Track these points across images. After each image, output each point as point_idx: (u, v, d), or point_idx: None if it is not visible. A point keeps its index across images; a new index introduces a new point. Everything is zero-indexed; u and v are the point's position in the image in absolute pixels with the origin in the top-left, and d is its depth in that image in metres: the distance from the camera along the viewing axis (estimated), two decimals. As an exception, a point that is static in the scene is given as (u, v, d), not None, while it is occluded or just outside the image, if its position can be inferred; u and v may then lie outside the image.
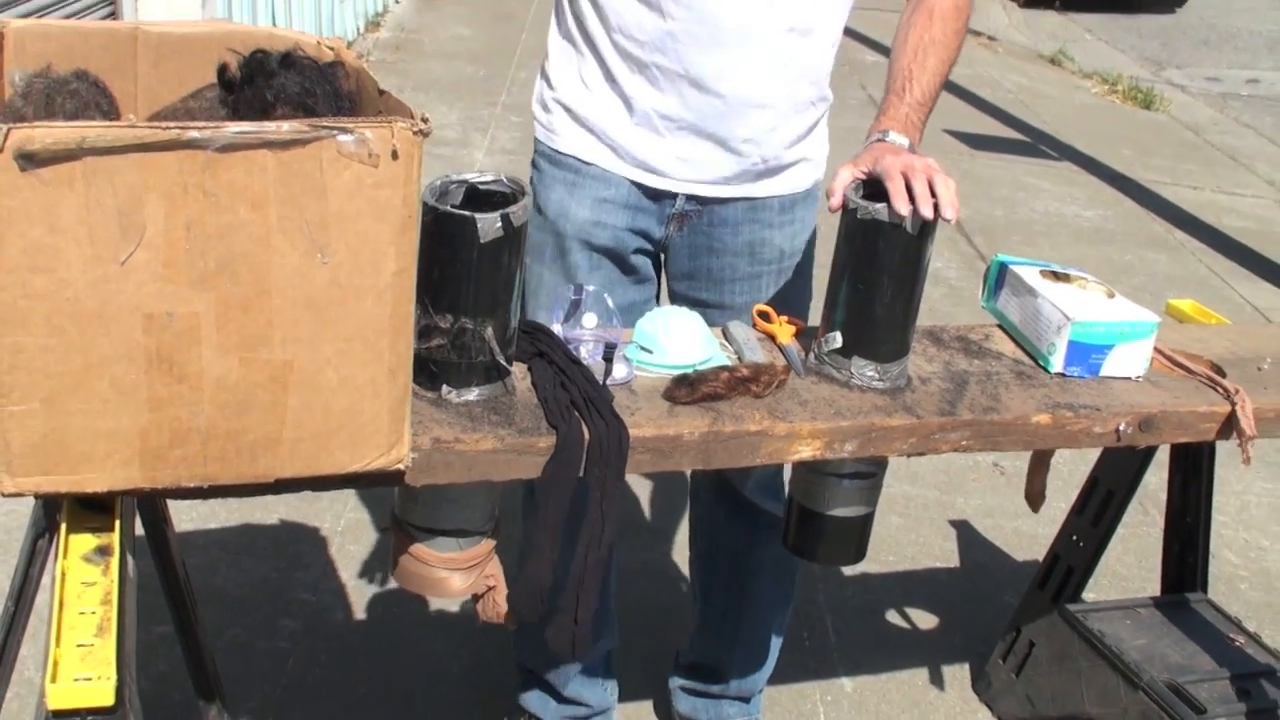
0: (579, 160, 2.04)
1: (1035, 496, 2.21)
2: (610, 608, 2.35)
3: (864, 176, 1.77)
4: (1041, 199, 6.24)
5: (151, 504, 1.89)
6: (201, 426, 1.36)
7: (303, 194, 1.32)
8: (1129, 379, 1.93)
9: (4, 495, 1.34)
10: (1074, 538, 2.61)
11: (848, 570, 3.16)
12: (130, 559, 1.50)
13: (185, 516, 2.97)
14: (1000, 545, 3.33)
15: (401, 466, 1.46)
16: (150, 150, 1.26)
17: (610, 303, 1.82)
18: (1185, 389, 1.93)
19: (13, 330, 1.28)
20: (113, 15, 5.09)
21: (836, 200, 1.76)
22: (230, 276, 1.32)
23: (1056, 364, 1.92)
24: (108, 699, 1.23)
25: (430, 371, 1.64)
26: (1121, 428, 1.85)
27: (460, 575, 1.72)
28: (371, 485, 1.55)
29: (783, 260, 2.11)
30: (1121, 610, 2.59)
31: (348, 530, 3.06)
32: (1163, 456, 2.55)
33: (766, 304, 1.97)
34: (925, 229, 1.75)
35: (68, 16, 4.70)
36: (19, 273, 1.26)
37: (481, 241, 1.58)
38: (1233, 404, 1.89)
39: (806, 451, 1.71)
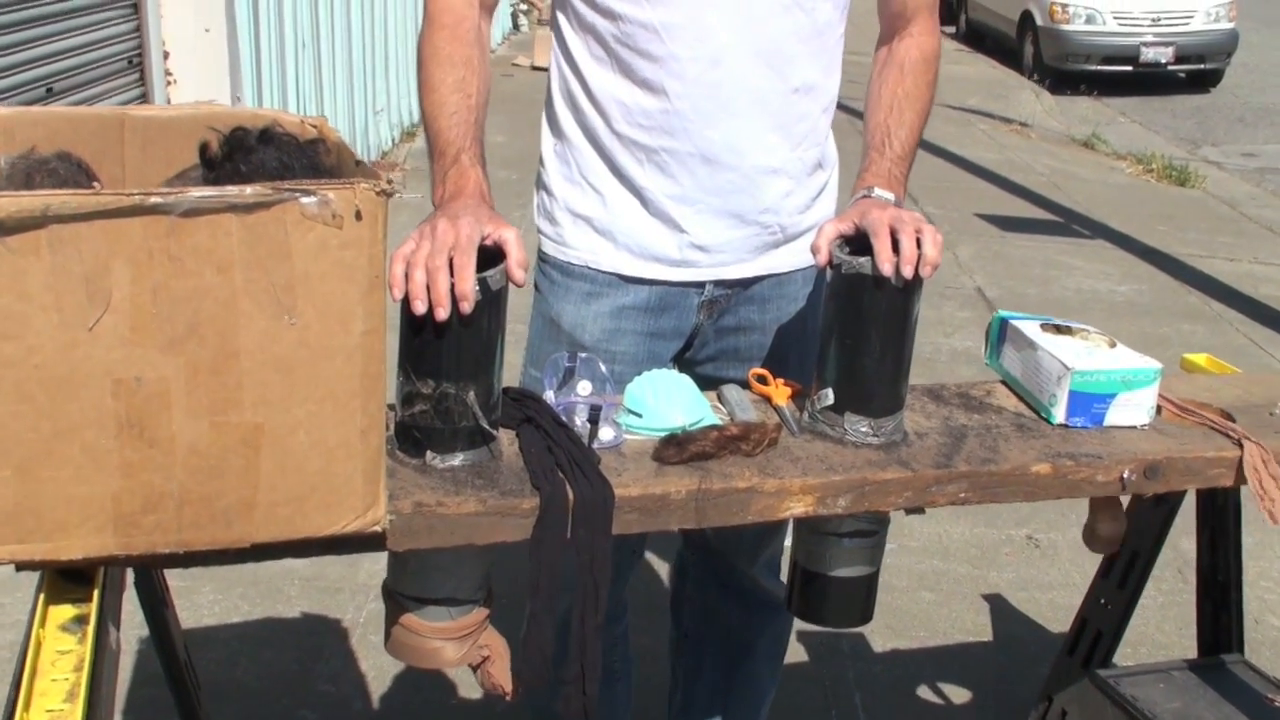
0: (595, 270, 1.98)
1: (1105, 541, 2.13)
2: (625, 595, 2.25)
3: (850, 232, 1.76)
4: (1074, 276, 6.20)
5: (150, 585, 1.89)
6: (174, 491, 1.36)
7: (268, 256, 1.33)
8: (1134, 428, 1.90)
9: (-21, 565, 1.34)
10: (1101, 601, 2.55)
11: (877, 646, 3.10)
12: (113, 631, 1.49)
13: (207, 611, 2.97)
14: (1035, 618, 3.26)
15: (379, 528, 1.45)
16: (114, 216, 1.28)
17: (604, 369, 1.81)
18: (1192, 436, 1.90)
19: (-18, 399, 1.29)
20: (143, 100, 5.18)
21: (823, 257, 1.75)
22: (198, 340, 1.33)
23: (1059, 415, 1.90)
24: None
25: (414, 438, 1.64)
26: (1125, 475, 1.81)
27: (453, 645, 1.70)
28: (352, 550, 1.54)
29: (806, 334, 2.08)
30: (1155, 674, 2.52)
31: (369, 621, 3.05)
32: (1192, 519, 2.50)
33: (787, 379, 1.94)
34: (912, 282, 1.74)
35: (102, 103, 4.81)
36: (-13, 341, 1.28)
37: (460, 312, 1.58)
38: (1241, 447, 1.85)
39: (798, 508, 1.69)
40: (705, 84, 1.86)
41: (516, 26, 13.47)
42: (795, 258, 2.03)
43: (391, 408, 1.65)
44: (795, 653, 3.01)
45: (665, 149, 1.89)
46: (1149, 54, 12.05)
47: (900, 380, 1.80)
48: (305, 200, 1.33)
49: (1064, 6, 12.34)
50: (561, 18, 1.94)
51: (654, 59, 1.85)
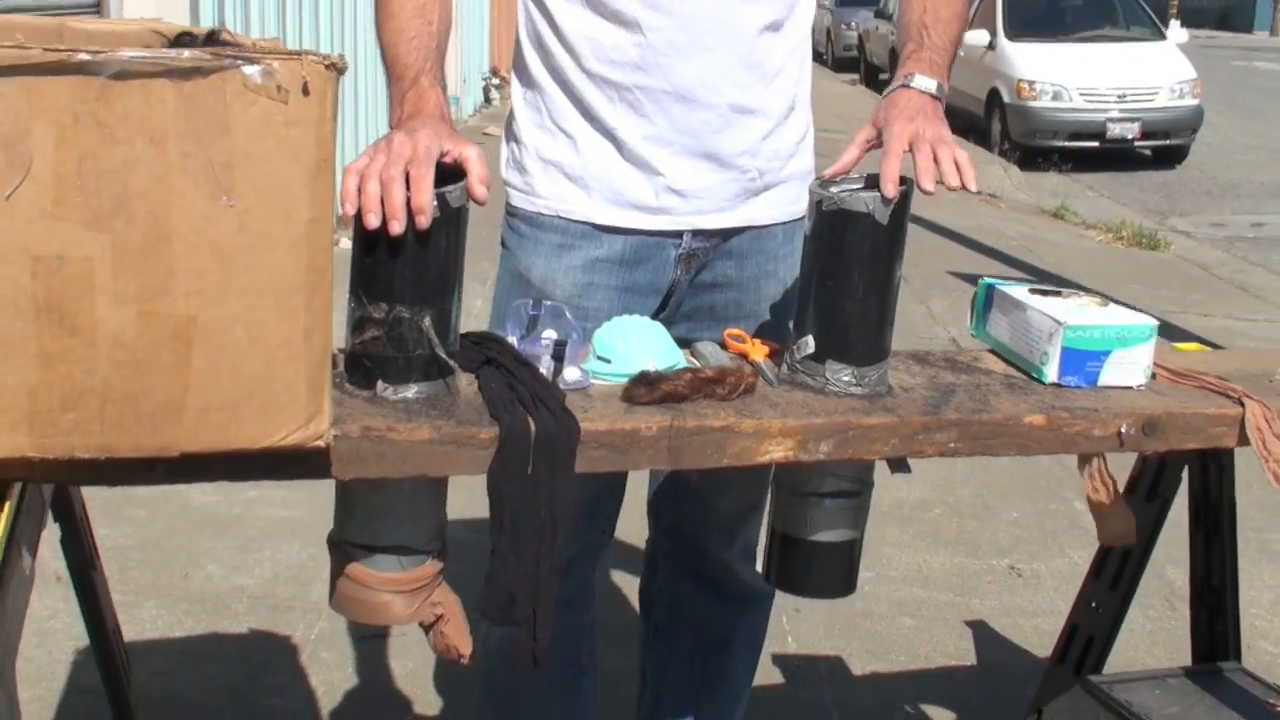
0: (567, 220, 1.87)
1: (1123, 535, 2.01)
2: (592, 581, 2.11)
3: (873, 138, 1.70)
4: (1049, 330, 6.13)
5: (77, 541, 1.76)
6: (97, 388, 1.24)
7: (206, 129, 1.22)
8: (1130, 389, 1.80)
9: (-125, 463, 1.21)
10: (1093, 604, 2.43)
11: (856, 670, 2.97)
12: (26, 556, 1.36)
13: (149, 626, 2.81)
14: (1020, 643, 3.13)
15: (322, 443, 1.33)
16: (37, 74, 1.18)
17: (570, 316, 1.70)
18: (1191, 395, 1.80)
19: (-116, 273, 1.17)
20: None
21: (832, 171, 1.69)
22: (126, 218, 1.21)
23: (1051, 374, 1.79)
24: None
25: (364, 368, 1.52)
26: (1123, 430, 1.71)
27: (403, 599, 1.56)
28: (293, 475, 1.42)
29: (784, 296, 1.98)
30: (1150, 681, 2.39)
31: (321, 639, 2.89)
32: (1182, 536, 2.39)
33: (764, 339, 1.83)
34: (896, 218, 1.64)
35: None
36: (-109, 207, 1.16)
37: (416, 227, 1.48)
38: (1242, 405, 1.75)
39: (778, 451, 1.57)
40: (678, 16, 1.78)
41: (488, 100, 13.48)
42: (774, 209, 1.94)
43: (342, 351, 1.54)
44: (770, 675, 2.88)
45: (638, 86, 1.80)
46: (1115, 130, 12.10)
47: (884, 327, 1.70)
48: (248, 70, 1.22)
49: (1031, 84, 12.41)
50: None
51: None
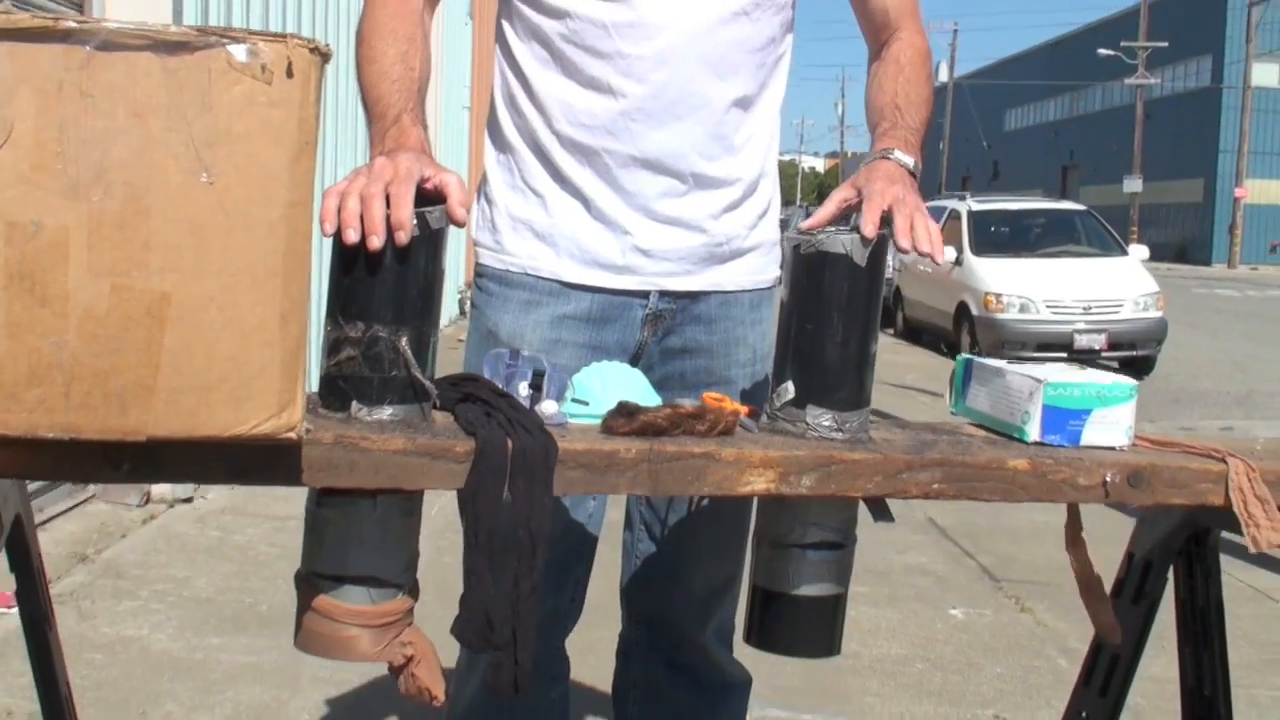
0: (534, 277, 1.89)
1: (1108, 628, 1.99)
2: (563, 650, 2.06)
3: (853, 199, 1.71)
4: (1025, 510, 6.10)
5: (33, 593, 1.69)
6: (65, 362, 1.21)
7: (189, 105, 1.23)
8: (1112, 449, 1.78)
9: None
10: (1083, 714, 2.36)
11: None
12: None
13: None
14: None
15: (294, 435, 1.29)
16: (24, 39, 1.19)
17: (547, 364, 1.68)
18: (1176, 455, 1.78)
19: None
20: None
21: (810, 223, 1.69)
22: (105, 188, 1.21)
23: (1033, 432, 1.77)
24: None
25: (339, 390, 1.50)
26: (1108, 478, 1.68)
27: (371, 635, 1.50)
28: (263, 480, 1.38)
29: (754, 363, 1.99)
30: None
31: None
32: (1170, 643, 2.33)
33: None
34: (874, 260, 1.65)
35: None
36: None
37: (395, 242, 1.47)
38: (1225, 463, 1.74)
39: (759, 483, 1.54)
40: (651, 84, 1.82)
41: (463, 312, 13.67)
42: (741, 276, 1.96)
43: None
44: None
45: (606, 150, 1.84)
46: (1082, 340, 12.29)
47: (865, 371, 1.69)
48: (233, 48, 1.24)
49: (998, 296, 12.65)
50: (506, 26, 1.91)
51: (601, 55, 1.82)
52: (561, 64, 1.84)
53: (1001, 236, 14.25)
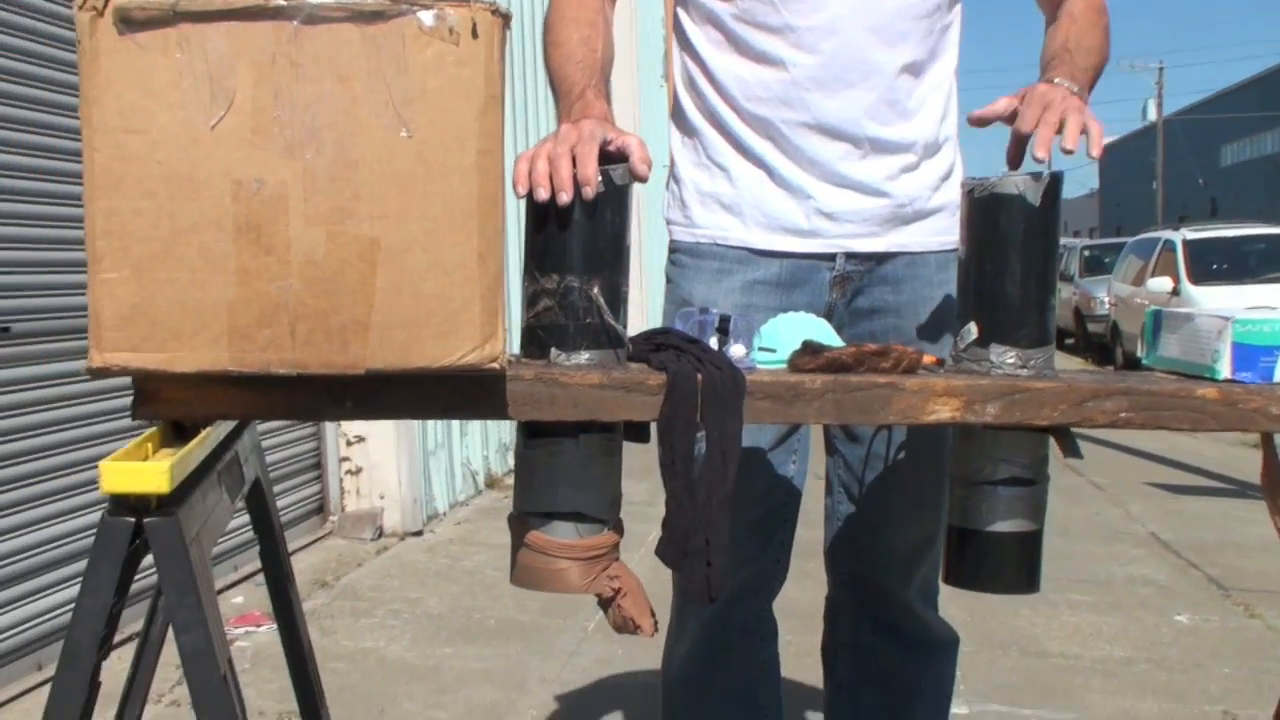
0: (724, 246, 1.98)
1: None
2: (771, 612, 2.11)
3: (1013, 109, 1.74)
4: (1254, 526, 5.88)
5: (275, 557, 1.84)
6: (290, 304, 1.34)
7: (387, 68, 1.35)
8: (1310, 381, 1.76)
9: (90, 370, 1.32)
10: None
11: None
12: (224, 495, 1.45)
13: None
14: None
15: (497, 365, 1.40)
16: (240, 19, 1.32)
17: (735, 315, 1.75)
18: (1376, 381, 1.75)
19: (106, 194, 1.31)
20: None
21: (979, 113, 1.75)
22: (317, 146, 1.34)
23: (1224, 369, 1.76)
24: (162, 484, 1.16)
25: (538, 339, 1.60)
26: (1304, 404, 1.67)
27: (579, 568, 1.59)
28: (471, 413, 1.50)
29: (943, 322, 2.02)
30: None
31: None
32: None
33: None
34: (1048, 198, 1.68)
35: None
36: (114, 134, 1.30)
37: (583, 197, 1.58)
38: None
39: (944, 411, 1.58)
40: (821, 53, 1.89)
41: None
42: (924, 237, 2.00)
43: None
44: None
45: (783, 120, 1.91)
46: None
47: (1046, 308, 1.71)
48: (422, 14, 1.35)
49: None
50: (681, 14, 2.01)
51: (771, 30, 1.90)
52: (734, 43, 1.93)
53: (1219, 263, 13.76)
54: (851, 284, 1.98)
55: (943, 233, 2.01)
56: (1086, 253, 20.43)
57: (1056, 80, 1.79)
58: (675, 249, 2.02)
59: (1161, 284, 13.09)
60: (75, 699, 1.26)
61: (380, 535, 5.39)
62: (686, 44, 2.00)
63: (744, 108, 1.94)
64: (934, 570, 2.12)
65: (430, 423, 5.91)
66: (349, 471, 5.55)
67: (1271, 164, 47.78)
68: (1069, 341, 18.51)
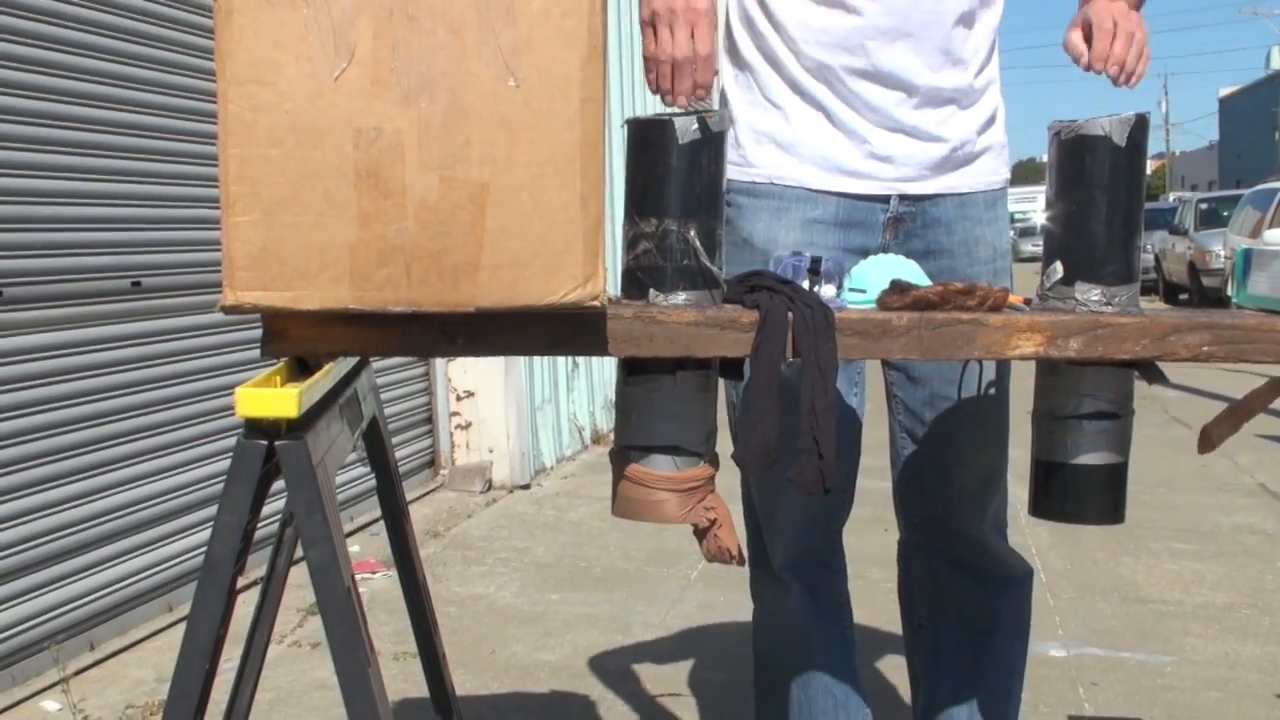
0: (781, 185, 2.03)
1: (1208, 440, 1.96)
2: (841, 543, 2.19)
3: (1085, 34, 1.80)
4: (1371, 478, 5.83)
5: (391, 491, 1.95)
6: (406, 245, 1.44)
7: (496, 19, 1.44)
8: (1397, 315, 1.79)
9: (224, 308, 1.43)
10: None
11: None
12: (345, 428, 1.56)
13: (459, 688, 2.97)
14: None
15: (598, 303, 1.48)
16: (361, -25, 1.42)
17: (826, 256, 1.82)
18: None
19: (239, 142, 1.41)
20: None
21: (1080, 50, 1.81)
22: (430, 95, 1.43)
23: (1313, 304, 1.80)
24: (291, 409, 1.27)
25: (638, 280, 1.68)
26: (1388, 338, 1.70)
27: (677, 499, 1.68)
28: (573, 349, 1.59)
29: (995, 260, 2.08)
30: None
31: (613, 703, 2.99)
32: None
33: None
34: (1134, 139, 1.72)
35: None
36: (246, 85, 1.41)
37: (680, 143, 1.66)
38: None
39: (1027, 346, 1.64)
40: (884, 2, 1.94)
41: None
42: (973, 179, 2.06)
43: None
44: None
45: (844, 65, 1.97)
46: None
47: (1131, 248, 1.76)
48: (530, -31, 1.44)
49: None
50: None
51: None
52: None
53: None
54: (904, 225, 2.04)
55: (990, 173, 2.08)
56: (1202, 206, 20.04)
57: None
58: (731, 189, 2.04)
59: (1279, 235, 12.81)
60: (216, 606, 1.38)
61: (489, 488, 5.54)
62: None
63: (803, 51, 1.98)
64: (1003, 504, 2.17)
65: (538, 378, 6.04)
66: (459, 426, 5.70)
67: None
68: (1183, 297, 18.21)
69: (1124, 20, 1.78)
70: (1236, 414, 1.91)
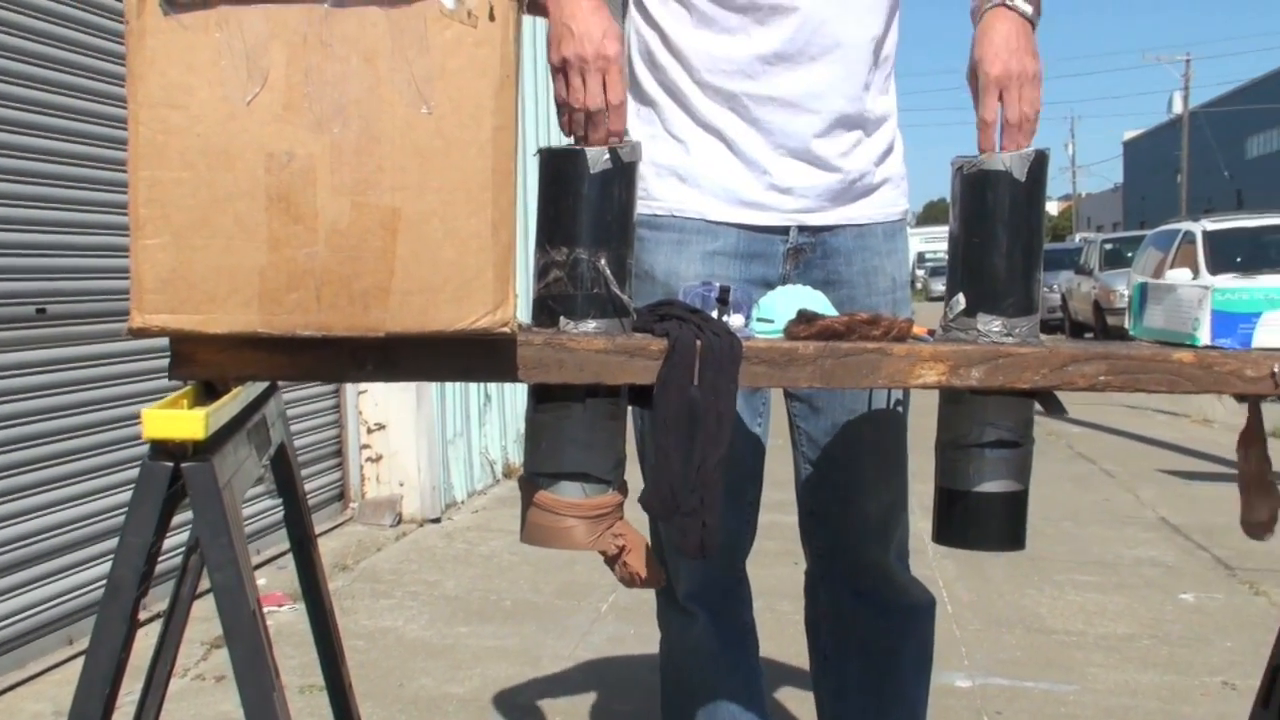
0: (682, 218, 2.04)
1: (1260, 526, 2.03)
2: (745, 573, 2.20)
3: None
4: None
5: (299, 519, 1.94)
6: (316, 270, 1.44)
7: (409, 47, 1.45)
8: (1286, 349, 1.85)
9: (131, 331, 1.42)
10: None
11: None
12: (252, 452, 1.55)
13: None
14: (1235, 743, 3.02)
15: (508, 329, 1.49)
16: (275, 1, 1.42)
17: (735, 287, 1.84)
18: (1349, 351, 1.84)
19: (149, 164, 1.41)
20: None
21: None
22: (343, 121, 1.44)
23: (1203, 336, 1.85)
24: (198, 431, 1.27)
25: (548, 309, 1.70)
26: (1276, 370, 1.75)
27: (586, 525, 1.69)
28: (484, 376, 1.59)
29: (895, 291, 2.12)
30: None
31: None
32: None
33: None
34: (1034, 175, 1.77)
35: None
36: (158, 109, 1.41)
37: (592, 172, 1.68)
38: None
39: (930, 375, 1.68)
40: (787, 29, 1.96)
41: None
42: (872, 209, 2.09)
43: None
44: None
45: (746, 93, 1.98)
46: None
47: (1032, 281, 1.80)
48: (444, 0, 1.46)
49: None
50: None
51: (736, 8, 1.96)
52: (698, 17, 1.99)
53: (1239, 254, 13.79)
54: (804, 256, 2.06)
55: (888, 204, 2.12)
56: (1107, 246, 20.49)
57: (1008, 3, 1.82)
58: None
59: (1180, 276, 13.12)
60: (118, 629, 1.36)
61: (399, 522, 5.50)
62: (646, 15, 2.05)
63: (706, 80, 1.99)
64: (905, 533, 2.20)
65: (449, 411, 6.02)
66: (369, 459, 5.66)
67: (1299, 155, 47.57)
68: (1088, 335, 18.58)
69: (1012, 93, 1.78)
70: (1254, 488, 1.95)
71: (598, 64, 1.72)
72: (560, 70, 1.74)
